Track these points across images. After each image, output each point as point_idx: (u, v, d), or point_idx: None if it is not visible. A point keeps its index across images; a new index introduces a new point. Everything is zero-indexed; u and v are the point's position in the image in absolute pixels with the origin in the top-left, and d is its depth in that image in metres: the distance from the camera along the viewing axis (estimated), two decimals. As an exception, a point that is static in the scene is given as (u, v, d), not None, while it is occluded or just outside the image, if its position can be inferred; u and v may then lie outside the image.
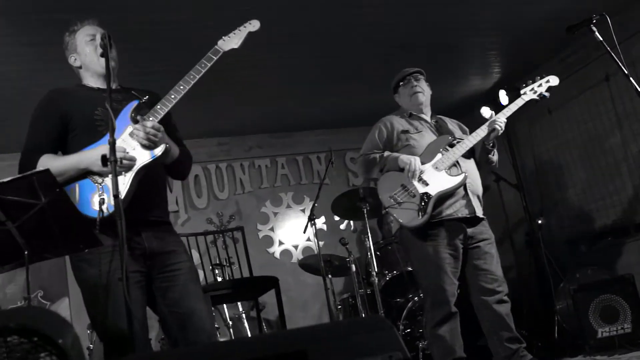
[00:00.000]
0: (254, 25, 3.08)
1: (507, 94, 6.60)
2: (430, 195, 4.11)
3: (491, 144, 4.27)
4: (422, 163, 4.20)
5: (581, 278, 5.51)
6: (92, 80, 3.09)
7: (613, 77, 6.02)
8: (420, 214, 4.09)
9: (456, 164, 4.20)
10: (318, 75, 6.39)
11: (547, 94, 4.33)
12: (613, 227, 6.15)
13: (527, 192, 7.05)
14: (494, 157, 4.37)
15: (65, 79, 3.14)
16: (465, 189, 4.17)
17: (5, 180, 2.48)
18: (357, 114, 7.42)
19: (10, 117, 5.59)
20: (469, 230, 4.15)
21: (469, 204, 4.16)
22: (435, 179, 4.15)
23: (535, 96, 4.32)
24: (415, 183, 4.16)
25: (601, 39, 3.68)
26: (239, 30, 3.06)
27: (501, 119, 4.23)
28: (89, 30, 3.07)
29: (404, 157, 4.23)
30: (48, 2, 4.38)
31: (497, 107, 6.68)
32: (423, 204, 4.10)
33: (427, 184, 4.14)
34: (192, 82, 2.91)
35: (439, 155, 4.21)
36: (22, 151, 2.92)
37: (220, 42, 3.03)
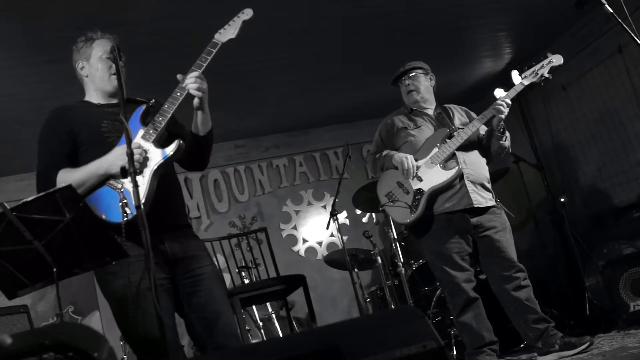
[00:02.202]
0: (247, 14, 3.07)
1: (519, 74, 6.55)
2: (423, 191, 4.12)
3: (501, 129, 4.20)
4: (418, 159, 4.20)
5: (609, 253, 5.46)
6: (95, 96, 3.10)
7: (626, 48, 5.95)
8: (412, 210, 4.10)
9: (454, 156, 4.18)
10: (330, 70, 6.38)
11: (549, 76, 4.23)
12: (637, 199, 6.10)
13: (547, 171, 7.00)
14: (506, 142, 4.30)
15: (82, 95, 3.16)
16: (461, 181, 4.16)
17: (30, 199, 2.51)
18: (371, 106, 7.40)
19: (28, 137, 5.64)
20: (474, 220, 4.15)
21: (467, 196, 4.13)
22: (429, 175, 4.15)
23: (536, 79, 4.24)
24: (410, 179, 4.17)
25: (611, 10, 3.64)
26: (234, 21, 3.06)
27: (502, 103, 4.15)
28: (107, 45, 3.04)
29: (397, 156, 4.24)
30: (59, 21, 4.42)
31: (511, 88, 6.66)
32: (415, 200, 4.10)
33: (421, 180, 4.15)
34: None
35: (435, 150, 4.21)
36: (37, 171, 2.94)
37: (217, 35, 3.03)
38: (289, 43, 5.61)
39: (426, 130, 4.35)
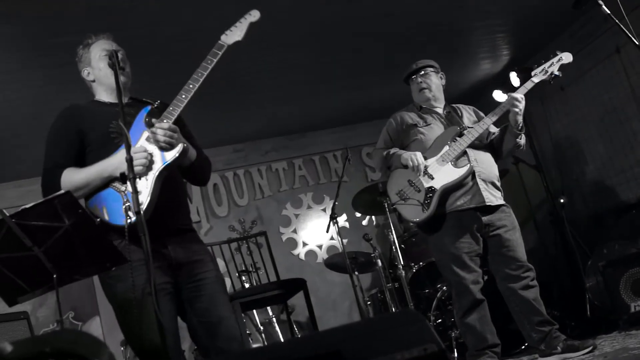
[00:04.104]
0: (254, 15, 3.06)
1: (518, 75, 6.55)
2: (434, 189, 4.11)
3: (519, 127, 4.20)
4: (429, 157, 4.20)
5: (609, 253, 5.46)
6: (105, 95, 3.11)
7: (624, 48, 5.96)
8: (424, 208, 4.09)
9: (465, 154, 4.19)
10: (328, 73, 6.39)
11: (559, 73, 4.25)
12: (636, 199, 6.10)
13: (547, 172, 6.99)
14: (522, 140, 4.31)
15: (80, 99, 3.17)
16: (473, 179, 4.16)
17: (28, 206, 2.51)
18: (370, 108, 7.42)
19: (28, 143, 5.65)
20: (485, 218, 4.15)
21: (479, 194, 4.13)
22: (441, 172, 4.15)
23: (546, 77, 4.25)
24: (421, 178, 4.17)
25: (608, 11, 3.64)
26: (240, 22, 3.04)
27: (516, 97, 4.16)
28: (103, 45, 3.07)
29: (406, 154, 4.24)
30: (55, 26, 4.43)
31: (509, 90, 6.63)
32: (427, 198, 4.10)
33: (432, 178, 4.14)
34: (201, 80, 2.90)
35: (445, 148, 4.21)
36: (43, 169, 2.95)
37: (223, 37, 3.02)
38: (288, 46, 5.62)
39: (436, 128, 4.35)
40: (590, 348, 3.91)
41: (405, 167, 4.25)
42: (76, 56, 3.15)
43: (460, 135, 4.23)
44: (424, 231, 4.32)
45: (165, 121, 2.84)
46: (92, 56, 3.08)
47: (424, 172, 4.16)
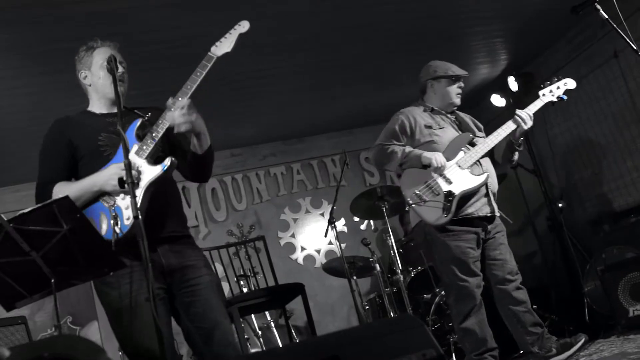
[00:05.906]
0: (243, 26, 3.04)
1: (516, 80, 6.57)
2: (454, 193, 4.11)
3: (519, 144, 4.28)
4: (446, 160, 4.20)
5: (607, 258, 5.47)
6: (97, 104, 3.10)
7: (621, 53, 5.96)
8: (445, 212, 4.09)
9: (478, 163, 4.21)
10: (325, 78, 6.39)
11: (564, 97, 4.36)
12: (634, 204, 6.10)
13: (545, 177, 7.01)
14: (516, 156, 4.41)
15: (78, 105, 3.16)
16: (486, 189, 4.21)
17: (27, 210, 2.51)
18: (368, 113, 7.43)
19: (26, 148, 5.65)
20: (488, 227, 4.22)
21: (490, 203, 4.21)
22: (459, 178, 4.15)
23: (553, 98, 4.34)
24: (439, 180, 4.16)
25: (606, 16, 3.65)
26: (230, 33, 3.03)
27: (527, 117, 4.21)
28: (107, 53, 3.00)
29: (427, 154, 4.19)
30: (53, 32, 4.43)
31: (507, 94, 6.66)
32: (447, 202, 4.10)
33: (450, 182, 4.14)
34: (190, 92, 2.87)
35: (461, 153, 4.22)
36: (36, 183, 2.95)
37: (213, 49, 2.99)
38: (287, 51, 5.62)
39: (449, 132, 4.34)
40: (583, 341, 3.98)
41: (424, 167, 4.22)
42: (76, 55, 3.11)
43: (472, 142, 4.25)
44: (436, 233, 4.21)
45: (158, 129, 2.83)
46: (94, 62, 3.06)
47: (441, 175, 4.18)
